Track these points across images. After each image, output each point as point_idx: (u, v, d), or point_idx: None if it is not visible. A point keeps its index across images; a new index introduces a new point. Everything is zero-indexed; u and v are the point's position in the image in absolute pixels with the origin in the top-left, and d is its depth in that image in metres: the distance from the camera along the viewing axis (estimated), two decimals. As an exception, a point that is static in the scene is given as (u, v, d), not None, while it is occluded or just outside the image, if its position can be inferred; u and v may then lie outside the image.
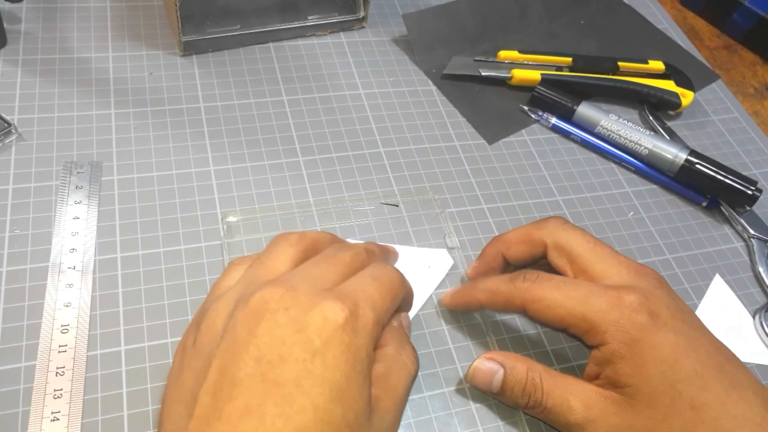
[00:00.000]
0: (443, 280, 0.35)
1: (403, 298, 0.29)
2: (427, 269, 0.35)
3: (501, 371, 0.29)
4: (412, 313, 0.33)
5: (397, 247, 0.36)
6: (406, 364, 0.27)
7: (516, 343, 0.34)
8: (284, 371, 0.22)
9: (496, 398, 0.30)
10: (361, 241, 0.33)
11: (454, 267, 0.36)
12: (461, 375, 0.32)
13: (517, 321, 0.35)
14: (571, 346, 0.34)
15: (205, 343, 0.24)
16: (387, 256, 0.33)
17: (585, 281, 0.29)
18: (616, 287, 0.28)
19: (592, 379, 0.28)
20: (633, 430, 0.26)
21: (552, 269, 0.31)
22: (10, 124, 0.37)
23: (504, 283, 0.30)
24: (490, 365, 0.29)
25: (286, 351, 0.22)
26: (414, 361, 0.28)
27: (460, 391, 0.31)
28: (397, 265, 0.35)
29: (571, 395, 0.27)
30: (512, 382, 0.29)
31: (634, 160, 0.44)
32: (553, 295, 0.28)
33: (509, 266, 0.34)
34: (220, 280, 0.28)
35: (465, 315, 0.34)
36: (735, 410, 0.25)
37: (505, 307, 0.31)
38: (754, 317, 0.37)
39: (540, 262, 0.33)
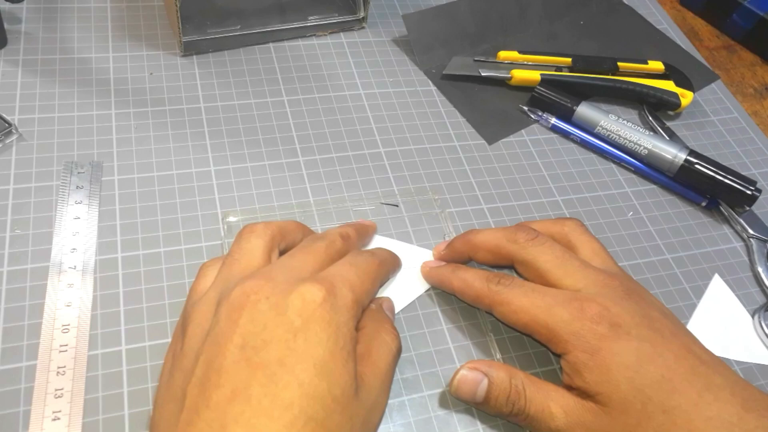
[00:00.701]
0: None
1: (386, 275, 0.31)
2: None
3: (485, 381, 0.29)
4: (399, 306, 0.34)
5: (396, 244, 0.36)
6: (386, 341, 0.28)
7: (516, 343, 0.34)
8: (268, 353, 0.22)
9: (478, 408, 0.30)
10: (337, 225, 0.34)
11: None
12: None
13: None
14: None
15: (192, 344, 0.24)
16: (364, 234, 0.34)
17: (553, 290, 0.30)
18: (580, 299, 0.29)
19: (569, 390, 0.28)
20: None
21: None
22: (10, 124, 0.37)
23: (479, 279, 0.31)
24: (474, 375, 0.29)
25: (268, 335, 0.23)
26: (394, 338, 0.28)
27: (459, 390, 0.31)
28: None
29: (552, 402, 0.28)
30: (497, 391, 0.29)
31: (634, 160, 0.44)
32: (520, 300, 0.29)
33: None
34: (196, 284, 0.28)
35: (465, 315, 0.34)
36: (709, 411, 0.25)
37: (473, 302, 0.32)
38: (753, 317, 0.37)
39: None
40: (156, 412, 0.24)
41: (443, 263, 0.35)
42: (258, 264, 0.27)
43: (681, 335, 0.28)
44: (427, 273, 0.34)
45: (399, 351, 0.29)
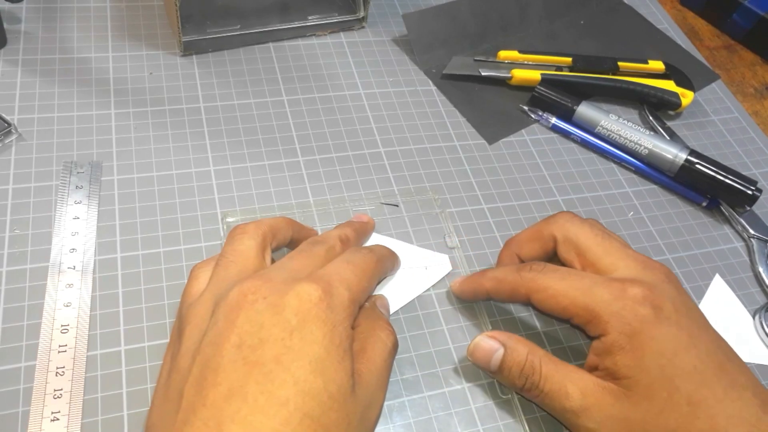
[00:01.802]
0: (441, 282, 0.35)
1: (383, 272, 0.30)
2: (423, 270, 0.35)
3: (501, 350, 0.29)
4: (399, 306, 0.34)
5: (398, 244, 0.36)
6: (382, 338, 0.27)
7: (516, 343, 0.34)
8: (264, 352, 0.22)
9: (493, 377, 0.31)
10: (335, 227, 0.33)
11: (453, 271, 0.36)
12: (461, 375, 0.32)
13: (517, 321, 0.34)
14: (580, 344, 0.34)
15: (189, 345, 0.24)
16: (363, 233, 0.34)
17: (590, 273, 0.29)
18: (621, 279, 0.28)
19: (592, 370, 0.28)
20: (628, 422, 0.26)
21: (563, 265, 0.32)
22: (10, 124, 0.37)
23: (511, 272, 0.31)
24: (491, 343, 0.29)
25: (265, 333, 0.23)
26: (389, 334, 0.28)
27: (460, 391, 0.31)
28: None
29: (570, 382, 0.28)
30: (511, 362, 0.29)
31: (634, 160, 0.44)
32: (557, 285, 0.29)
33: None
34: (189, 286, 0.28)
35: (465, 315, 0.34)
36: (731, 409, 0.25)
37: (510, 296, 0.31)
38: (754, 317, 0.37)
39: (554, 260, 0.33)
40: (153, 411, 0.24)
41: (468, 274, 0.34)
42: (252, 264, 0.27)
43: (711, 330, 0.28)
44: (459, 286, 0.34)
45: (395, 348, 0.28)
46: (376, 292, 0.33)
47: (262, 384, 0.22)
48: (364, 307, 0.30)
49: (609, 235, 0.31)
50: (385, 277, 0.34)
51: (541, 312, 0.31)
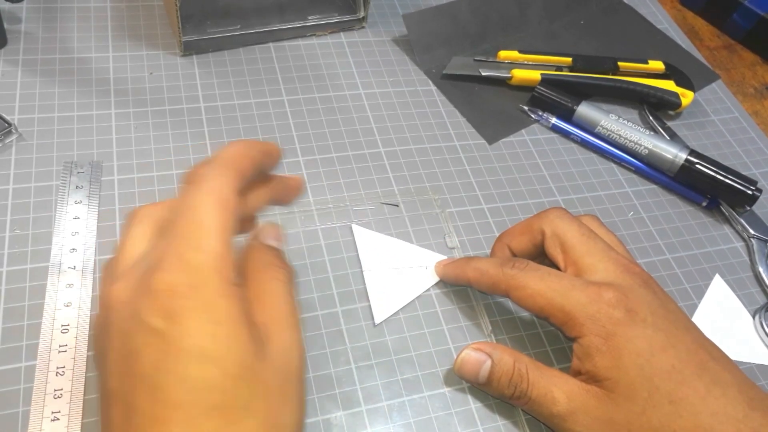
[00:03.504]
0: (441, 282, 0.35)
1: (240, 176, 0.23)
2: (424, 270, 0.35)
3: (489, 362, 0.29)
4: (400, 306, 0.34)
5: (398, 244, 0.36)
6: (274, 276, 0.25)
7: (517, 343, 0.34)
8: (143, 363, 0.20)
9: (481, 389, 0.31)
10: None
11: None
12: (461, 375, 0.32)
13: (518, 321, 0.35)
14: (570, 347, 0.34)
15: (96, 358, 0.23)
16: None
17: (570, 275, 0.30)
18: (597, 283, 0.29)
19: (577, 375, 0.28)
20: (613, 423, 0.26)
21: (550, 260, 0.32)
22: (10, 124, 0.37)
23: (493, 266, 0.31)
24: (478, 356, 0.30)
25: (135, 344, 0.21)
26: (282, 269, 0.25)
27: (460, 391, 0.31)
28: (395, 263, 0.35)
29: (555, 387, 0.28)
30: (499, 372, 0.29)
31: (634, 160, 0.44)
32: (536, 284, 0.29)
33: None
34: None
35: (465, 315, 0.34)
36: (715, 406, 0.26)
37: (490, 289, 0.32)
38: (754, 317, 0.37)
39: (543, 254, 0.33)
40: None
41: (456, 258, 0.35)
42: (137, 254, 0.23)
43: (693, 330, 0.29)
44: (442, 270, 0.35)
45: (291, 280, 0.25)
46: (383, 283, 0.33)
47: (151, 393, 0.20)
48: (250, 246, 0.26)
49: (594, 236, 0.31)
50: (257, 173, 0.25)
51: (520, 307, 0.32)
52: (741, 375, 0.27)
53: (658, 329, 0.27)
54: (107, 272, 0.23)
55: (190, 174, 0.23)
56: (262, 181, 0.26)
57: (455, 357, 0.31)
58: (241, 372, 0.21)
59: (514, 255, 0.34)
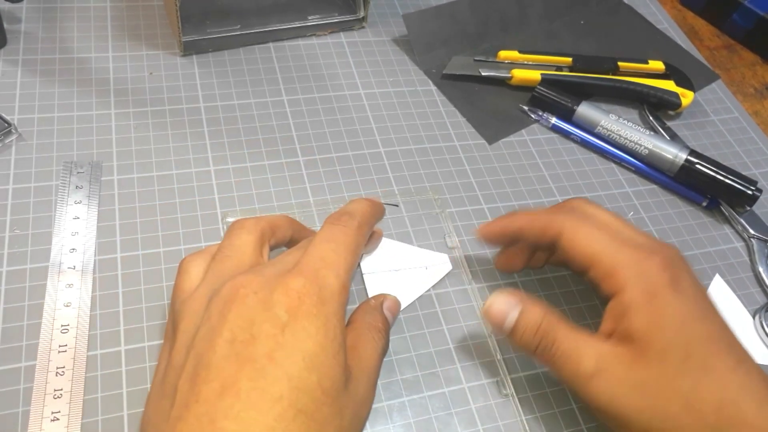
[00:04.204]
0: (441, 282, 0.35)
1: (366, 234, 0.30)
2: (424, 270, 0.35)
3: (517, 310, 0.29)
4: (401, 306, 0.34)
5: (398, 244, 0.36)
6: (374, 338, 0.28)
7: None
8: (256, 348, 0.22)
9: (506, 338, 0.30)
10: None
11: (453, 271, 0.36)
12: (461, 375, 0.32)
13: (517, 321, 0.34)
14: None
15: (184, 341, 0.24)
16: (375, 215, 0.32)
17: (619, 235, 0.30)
18: (647, 247, 0.28)
19: (607, 336, 0.28)
20: (641, 386, 0.26)
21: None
22: (10, 124, 0.37)
23: (545, 212, 0.31)
24: (508, 300, 0.29)
25: (256, 329, 0.23)
26: (382, 337, 0.28)
27: (460, 391, 0.31)
28: (394, 262, 0.35)
29: (584, 345, 0.27)
30: (526, 322, 0.28)
31: (634, 160, 0.44)
32: (590, 230, 0.29)
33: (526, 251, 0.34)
34: (181, 281, 0.27)
35: (465, 315, 0.34)
36: (743, 380, 0.25)
37: (540, 234, 0.31)
38: (754, 317, 0.37)
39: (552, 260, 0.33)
40: (149, 407, 0.24)
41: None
42: (249, 260, 0.27)
43: (718, 312, 0.28)
44: (486, 228, 0.33)
45: (385, 350, 0.28)
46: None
47: (254, 380, 0.22)
48: (367, 303, 0.30)
49: (623, 220, 0.31)
50: (371, 232, 0.32)
51: (563, 257, 0.30)
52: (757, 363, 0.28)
53: (697, 300, 0.27)
54: (216, 266, 0.27)
55: (337, 215, 0.29)
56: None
57: (483, 303, 0.30)
58: (331, 390, 0.23)
59: (513, 243, 0.34)
